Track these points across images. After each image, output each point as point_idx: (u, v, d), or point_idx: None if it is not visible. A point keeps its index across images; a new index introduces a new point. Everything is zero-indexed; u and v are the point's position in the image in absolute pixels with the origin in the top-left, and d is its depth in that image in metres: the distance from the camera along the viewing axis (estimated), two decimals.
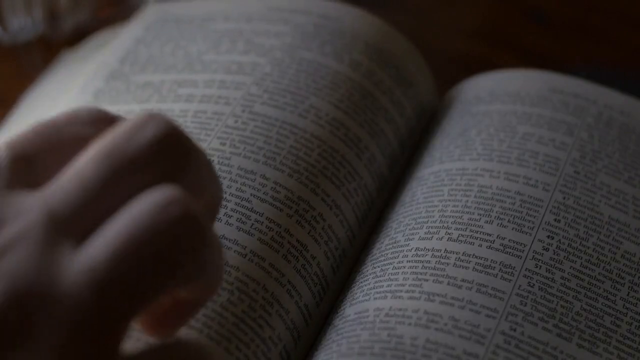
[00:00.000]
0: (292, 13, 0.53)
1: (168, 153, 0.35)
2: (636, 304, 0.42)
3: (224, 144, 0.46)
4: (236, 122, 0.47)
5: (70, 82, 0.53)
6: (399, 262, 0.43)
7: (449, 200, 0.45)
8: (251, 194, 0.44)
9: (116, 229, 0.33)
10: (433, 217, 0.44)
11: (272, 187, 0.44)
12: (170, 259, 0.33)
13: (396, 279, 0.42)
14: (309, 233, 0.44)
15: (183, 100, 0.48)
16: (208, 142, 0.46)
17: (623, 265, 0.43)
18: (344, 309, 0.42)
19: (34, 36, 0.60)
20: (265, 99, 0.48)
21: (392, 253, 0.43)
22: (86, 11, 0.60)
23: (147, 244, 0.33)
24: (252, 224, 0.43)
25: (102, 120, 0.36)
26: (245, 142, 0.46)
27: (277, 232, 0.43)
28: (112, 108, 0.49)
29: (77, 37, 0.58)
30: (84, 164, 0.34)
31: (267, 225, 0.43)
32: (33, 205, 0.33)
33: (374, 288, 0.42)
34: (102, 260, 0.32)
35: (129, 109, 0.48)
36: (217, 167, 0.44)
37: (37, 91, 0.54)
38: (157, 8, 0.56)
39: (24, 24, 0.59)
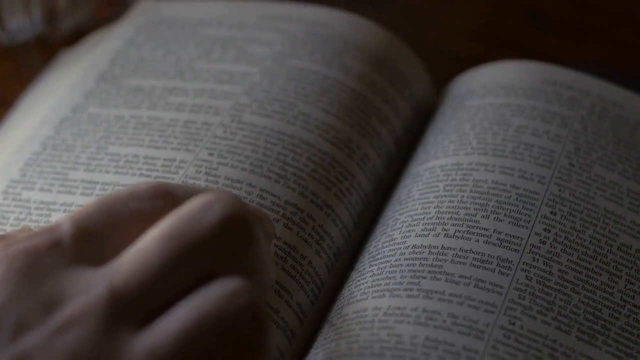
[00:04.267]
0: (284, 21, 0.53)
1: (232, 237, 0.35)
2: (633, 296, 0.42)
3: (212, 155, 0.46)
4: (225, 132, 0.47)
5: (62, 81, 0.53)
6: (397, 260, 0.43)
7: (445, 196, 0.45)
8: None
9: (180, 315, 0.33)
10: (429, 213, 0.44)
11: (258, 194, 0.44)
12: (232, 347, 0.34)
13: (394, 277, 0.42)
14: (297, 234, 0.44)
15: (173, 109, 0.48)
16: (196, 153, 0.46)
17: (620, 257, 0.43)
18: (341, 307, 0.42)
19: (32, 36, 0.60)
20: (254, 109, 0.48)
21: (389, 251, 0.43)
22: (85, 11, 0.60)
23: (211, 331, 0.33)
24: None
25: (162, 196, 0.37)
26: (232, 151, 0.46)
27: None
28: (102, 111, 0.49)
29: (76, 37, 0.58)
30: (148, 245, 0.34)
31: None
32: (96, 283, 0.34)
33: (371, 287, 0.42)
34: (166, 344, 0.33)
35: (119, 113, 0.48)
36: (204, 177, 0.45)
37: (36, 91, 0.54)
38: (149, 7, 0.56)
39: (22, 24, 0.59)
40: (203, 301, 0.34)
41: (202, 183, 0.44)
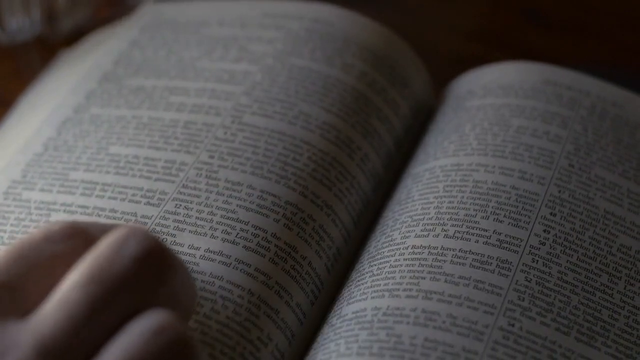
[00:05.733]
0: (285, 18, 0.53)
1: (150, 270, 0.35)
2: (633, 297, 0.42)
3: (212, 157, 0.46)
4: (225, 133, 0.47)
5: (64, 81, 0.53)
6: (396, 260, 0.43)
7: (445, 197, 0.45)
8: (237, 205, 0.44)
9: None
10: (429, 214, 0.44)
11: (258, 196, 0.44)
12: None
13: (393, 278, 0.42)
14: (297, 235, 0.44)
15: (174, 109, 0.48)
16: (197, 155, 0.46)
17: (619, 258, 0.43)
18: (341, 307, 0.42)
19: (32, 36, 0.60)
20: (254, 109, 0.48)
21: (388, 251, 0.43)
22: (85, 11, 0.60)
23: None
24: (237, 233, 0.43)
25: (76, 235, 0.36)
26: (233, 154, 0.46)
27: (262, 237, 0.43)
28: (103, 111, 0.49)
29: (76, 37, 0.58)
30: (70, 292, 0.34)
31: (252, 233, 0.43)
32: (22, 339, 0.33)
33: (371, 287, 0.42)
34: None
35: (120, 114, 0.48)
36: (204, 181, 0.45)
37: (36, 91, 0.54)
38: (153, 9, 0.56)
39: (22, 24, 0.59)
40: (130, 343, 0.33)
41: (202, 186, 0.44)
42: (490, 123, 0.48)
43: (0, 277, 0.35)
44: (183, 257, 0.42)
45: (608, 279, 0.42)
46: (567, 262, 0.42)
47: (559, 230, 0.43)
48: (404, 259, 0.42)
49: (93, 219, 0.44)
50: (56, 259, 0.35)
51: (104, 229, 0.37)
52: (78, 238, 0.36)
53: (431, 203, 0.45)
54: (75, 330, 0.33)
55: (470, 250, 0.42)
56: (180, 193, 0.44)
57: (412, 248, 0.43)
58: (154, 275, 0.35)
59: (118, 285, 0.34)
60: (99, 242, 0.35)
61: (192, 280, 0.37)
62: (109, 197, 0.44)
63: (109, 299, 0.34)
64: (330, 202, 0.46)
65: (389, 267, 0.42)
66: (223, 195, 0.44)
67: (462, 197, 0.44)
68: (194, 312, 0.40)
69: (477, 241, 0.42)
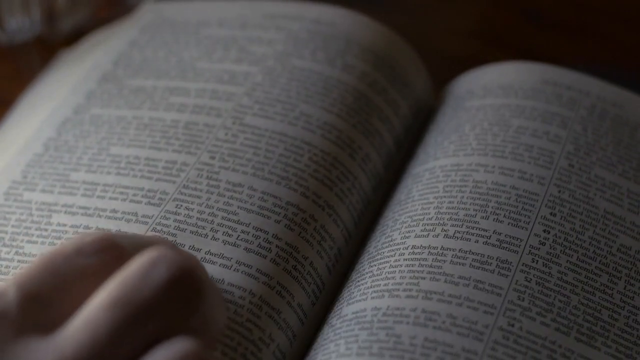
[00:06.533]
0: (286, 19, 0.53)
1: (178, 296, 0.34)
2: (633, 297, 0.42)
3: (213, 158, 0.46)
4: (226, 134, 0.47)
5: (64, 82, 0.53)
6: (396, 260, 0.43)
7: (445, 197, 0.45)
8: (238, 207, 0.44)
9: None
10: (429, 214, 0.44)
11: (259, 197, 0.44)
12: None
13: (393, 278, 0.42)
14: (299, 235, 0.44)
15: (175, 109, 0.48)
16: (198, 156, 0.46)
17: (619, 258, 0.43)
18: (341, 308, 0.42)
19: (32, 36, 0.59)
20: (255, 110, 0.48)
21: (388, 251, 0.43)
22: (85, 11, 0.60)
23: None
24: (238, 235, 0.43)
25: (108, 250, 0.36)
26: (234, 155, 0.46)
27: (264, 239, 0.43)
28: (103, 111, 0.49)
29: (76, 37, 0.58)
30: (94, 313, 0.33)
31: (253, 234, 0.43)
32: (45, 358, 0.33)
33: (371, 287, 0.42)
34: None
35: (121, 114, 0.48)
36: (205, 182, 0.45)
37: (35, 91, 0.54)
38: (152, 9, 0.56)
39: (22, 24, 0.59)
40: None
41: (203, 187, 0.45)
42: (490, 123, 0.48)
43: (30, 288, 0.34)
44: None
45: (608, 279, 0.42)
46: (567, 262, 0.42)
47: (558, 230, 0.43)
48: (404, 259, 0.42)
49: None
50: (87, 272, 0.35)
51: (138, 244, 0.36)
52: (110, 252, 0.36)
53: (431, 203, 0.45)
54: (98, 353, 0.33)
55: (470, 250, 0.42)
56: (181, 193, 0.44)
57: (412, 248, 0.43)
58: (182, 302, 0.34)
59: (144, 310, 0.34)
60: (129, 264, 0.35)
61: (223, 304, 0.36)
62: (110, 198, 0.44)
63: (134, 324, 0.33)
64: (331, 202, 0.46)
65: (389, 268, 0.42)
66: (224, 196, 0.44)
67: (462, 197, 0.44)
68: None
69: (477, 241, 0.42)
